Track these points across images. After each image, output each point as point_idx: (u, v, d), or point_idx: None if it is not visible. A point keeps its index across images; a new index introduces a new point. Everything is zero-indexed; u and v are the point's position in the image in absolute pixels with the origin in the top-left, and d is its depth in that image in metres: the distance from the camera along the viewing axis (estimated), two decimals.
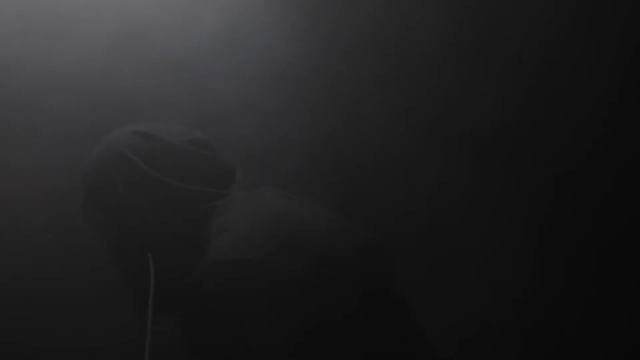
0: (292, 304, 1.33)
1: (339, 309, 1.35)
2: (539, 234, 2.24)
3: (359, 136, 2.28)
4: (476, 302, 2.19)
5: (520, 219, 2.25)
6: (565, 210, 2.26)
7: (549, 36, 2.27)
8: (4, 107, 2.27)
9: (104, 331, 2.27)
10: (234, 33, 2.22)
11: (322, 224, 1.44)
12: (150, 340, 1.53)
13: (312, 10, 2.23)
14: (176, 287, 1.51)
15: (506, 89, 2.28)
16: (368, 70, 2.28)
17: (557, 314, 2.22)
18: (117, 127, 1.59)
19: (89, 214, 1.62)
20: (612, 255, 2.23)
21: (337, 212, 1.51)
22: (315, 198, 1.53)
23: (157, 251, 1.53)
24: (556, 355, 2.20)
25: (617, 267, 2.22)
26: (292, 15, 2.23)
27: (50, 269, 2.27)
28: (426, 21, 2.28)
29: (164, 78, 2.23)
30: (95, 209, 1.59)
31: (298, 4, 2.24)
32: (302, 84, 2.26)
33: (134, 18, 2.24)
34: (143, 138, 1.54)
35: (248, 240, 1.38)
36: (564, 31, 2.26)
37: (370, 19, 2.27)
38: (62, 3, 2.24)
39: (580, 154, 2.27)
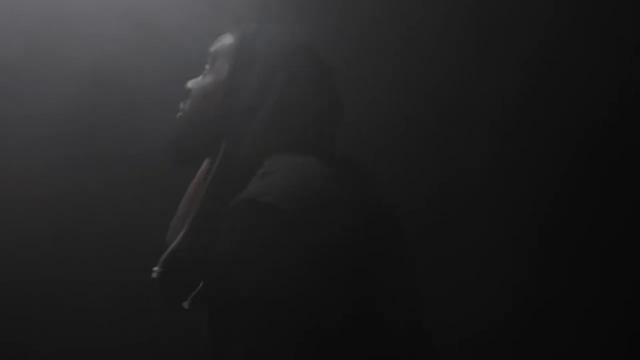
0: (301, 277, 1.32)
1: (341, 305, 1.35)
2: (539, 234, 2.24)
3: (359, 136, 2.28)
4: (476, 302, 2.19)
5: (520, 219, 2.25)
6: (565, 210, 2.26)
7: (549, 36, 2.27)
8: (4, 107, 2.26)
9: (105, 334, 2.27)
10: None
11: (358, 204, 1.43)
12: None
13: (312, 10, 2.23)
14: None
15: (506, 88, 2.28)
16: (368, 70, 2.27)
17: (557, 314, 2.22)
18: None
19: (220, 63, 1.59)
20: (612, 255, 2.23)
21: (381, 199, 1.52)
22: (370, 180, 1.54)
23: (228, 150, 1.52)
24: (556, 355, 2.20)
25: (617, 267, 2.23)
26: (292, 15, 2.22)
27: (51, 271, 2.27)
28: (426, 21, 2.27)
29: (165, 78, 2.23)
30: (232, 65, 1.56)
31: (298, 3, 2.24)
32: None
33: (136, 18, 2.24)
34: (308, 66, 1.55)
35: (285, 190, 1.37)
36: (564, 31, 2.26)
37: (370, 19, 2.27)
38: (63, 3, 2.24)
39: (580, 154, 2.27)
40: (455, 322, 2.16)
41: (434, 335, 1.51)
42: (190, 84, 1.63)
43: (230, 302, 1.34)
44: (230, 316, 1.34)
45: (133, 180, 2.27)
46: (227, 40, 1.60)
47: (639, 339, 2.19)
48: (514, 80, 2.28)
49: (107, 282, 2.28)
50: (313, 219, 1.35)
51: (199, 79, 1.63)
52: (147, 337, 2.27)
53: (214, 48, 1.61)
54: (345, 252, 1.35)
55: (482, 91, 2.27)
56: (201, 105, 1.58)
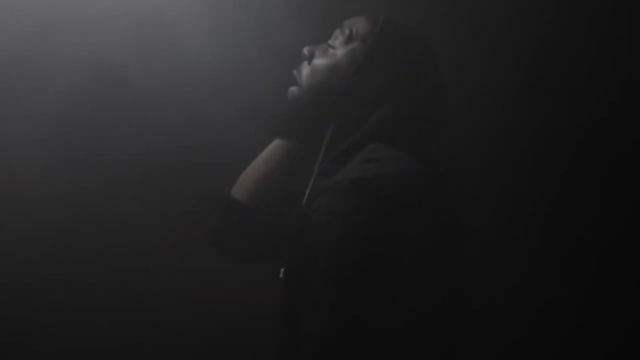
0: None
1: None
2: (539, 234, 2.24)
3: None
4: (476, 302, 2.19)
5: (520, 219, 2.25)
6: (565, 210, 2.26)
7: (549, 36, 2.27)
8: (4, 107, 2.27)
9: (105, 334, 2.27)
10: (233, 34, 2.23)
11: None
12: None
13: (313, 10, 2.23)
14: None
15: (506, 88, 2.28)
16: None
17: (557, 314, 2.22)
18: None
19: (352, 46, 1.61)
20: (612, 255, 2.23)
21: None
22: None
23: (335, 131, 1.55)
24: (556, 355, 2.20)
25: (617, 267, 2.23)
26: (292, 16, 2.22)
27: (51, 271, 2.27)
28: (426, 21, 2.27)
29: (165, 78, 2.24)
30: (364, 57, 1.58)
31: (298, 4, 2.24)
32: None
33: (136, 18, 2.24)
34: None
35: (387, 179, 1.43)
36: (564, 31, 2.26)
37: None
38: (63, 3, 2.24)
39: (580, 154, 2.27)
40: None
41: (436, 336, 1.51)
42: (308, 51, 1.63)
43: (322, 273, 1.37)
44: (319, 285, 1.37)
45: (133, 180, 2.27)
46: (364, 24, 1.62)
47: (638, 339, 2.19)
48: (514, 80, 2.28)
49: (107, 282, 2.28)
50: (405, 211, 1.40)
51: (320, 49, 1.63)
52: (147, 336, 2.27)
53: (349, 28, 1.62)
54: (419, 244, 1.42)
55: (482, 91, 2.27)
56: (325, 81, 1.58)
